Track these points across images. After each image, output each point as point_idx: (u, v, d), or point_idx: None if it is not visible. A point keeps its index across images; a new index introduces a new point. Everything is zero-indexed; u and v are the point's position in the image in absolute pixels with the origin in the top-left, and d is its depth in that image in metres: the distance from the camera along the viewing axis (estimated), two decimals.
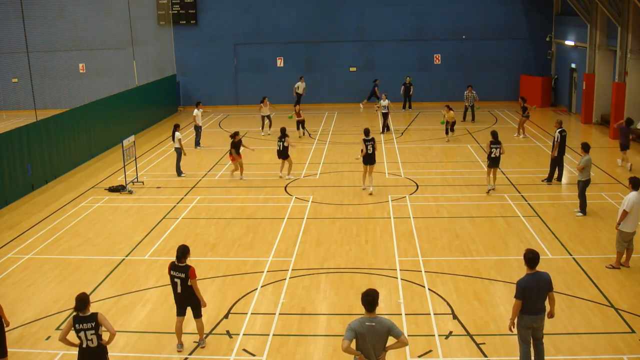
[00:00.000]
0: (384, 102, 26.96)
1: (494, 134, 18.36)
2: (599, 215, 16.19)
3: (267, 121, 27.56)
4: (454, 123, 25.73)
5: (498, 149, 17.95)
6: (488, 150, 18.03)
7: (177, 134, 20.92)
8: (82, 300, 8.50)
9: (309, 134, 27.16)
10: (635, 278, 12.55)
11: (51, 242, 15.44)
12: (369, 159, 18.21)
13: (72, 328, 8.50)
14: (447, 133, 25.69)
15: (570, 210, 16.58)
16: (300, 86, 32.62)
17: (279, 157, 20.38)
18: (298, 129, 26.74)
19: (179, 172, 21.13)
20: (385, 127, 27.26)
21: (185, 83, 35.64)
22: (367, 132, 18.49)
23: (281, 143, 20.07)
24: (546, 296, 8.99)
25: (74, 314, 8.55)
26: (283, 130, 20.32)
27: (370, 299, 7.50)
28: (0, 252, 14.81)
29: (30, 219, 17.21)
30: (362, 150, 18.04)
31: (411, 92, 32.52)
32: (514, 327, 9.11)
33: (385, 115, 27.14)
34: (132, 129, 26.20)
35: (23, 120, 24.93)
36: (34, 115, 21.69)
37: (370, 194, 18.31)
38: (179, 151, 20.93)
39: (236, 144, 20.00)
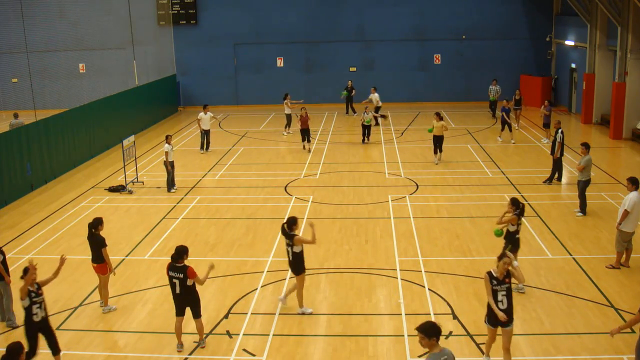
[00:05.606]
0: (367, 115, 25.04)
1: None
2: (599, 215, 16.18)
3: (286, 121, 26.93)
4: (441, 138, 21.70)
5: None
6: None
7: (165, 145, 18.98)
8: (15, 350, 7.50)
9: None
10: (635, 278, 12.54)
11: (51, 242, 15.44)
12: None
13: None
14: (435, 153, 21.70)
15: (570, 210, 16.58)
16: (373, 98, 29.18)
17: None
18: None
19: (170, 186, 19.29)
20: (366, 137, 25.29)
21: (185, 83, 35.64)
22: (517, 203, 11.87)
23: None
24: None
25: None
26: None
27: (430, 326, 6.88)
28: None
29: (30, 219, 17.21)
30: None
31: (353, 95, 30.92)
32: (614, 335, 8.86)
33: (367, 127, 25.18)
34: (132, 129, 26.18)
35: (23, 120, 24.90)
36: (34, 115, 21.69)
37: None
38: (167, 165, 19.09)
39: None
